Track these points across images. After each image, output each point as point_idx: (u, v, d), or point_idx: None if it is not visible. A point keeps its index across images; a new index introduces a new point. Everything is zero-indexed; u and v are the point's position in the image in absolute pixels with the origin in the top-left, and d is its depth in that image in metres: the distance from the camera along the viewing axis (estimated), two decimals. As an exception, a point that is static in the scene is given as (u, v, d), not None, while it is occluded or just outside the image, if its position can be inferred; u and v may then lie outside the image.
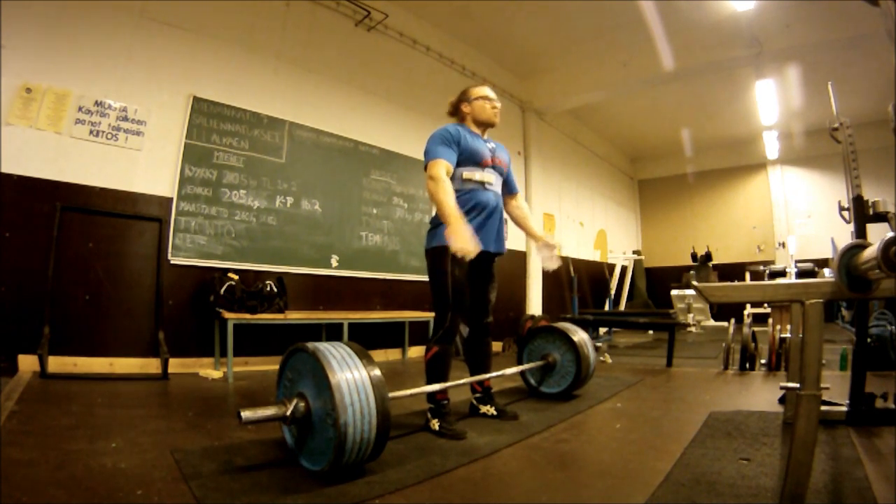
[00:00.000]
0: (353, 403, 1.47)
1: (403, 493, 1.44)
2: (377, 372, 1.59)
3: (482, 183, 2.27)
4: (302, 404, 1.58)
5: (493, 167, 2.34)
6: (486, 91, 2.39)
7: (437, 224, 2.20)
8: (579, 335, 2.86)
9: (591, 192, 9.07)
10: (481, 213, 2.24)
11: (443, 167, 2.12)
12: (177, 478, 1.47)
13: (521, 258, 6.64)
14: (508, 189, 2.52)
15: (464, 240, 1.90)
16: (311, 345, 1.62)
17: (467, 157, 2.24)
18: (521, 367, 2.82)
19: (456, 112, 2.43)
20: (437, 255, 2.18)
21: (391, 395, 1.66)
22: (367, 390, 1.52)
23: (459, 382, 2.24)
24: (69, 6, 3.19)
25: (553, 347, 2.90)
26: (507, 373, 2.60)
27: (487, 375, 2.42)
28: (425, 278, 2.32)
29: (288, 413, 1.56)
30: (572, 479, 1.64)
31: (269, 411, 1.55)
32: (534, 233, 2.56)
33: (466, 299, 2.21)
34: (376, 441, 1.53)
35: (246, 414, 1.51)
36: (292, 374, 1.71)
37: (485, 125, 2.39)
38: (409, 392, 2.01)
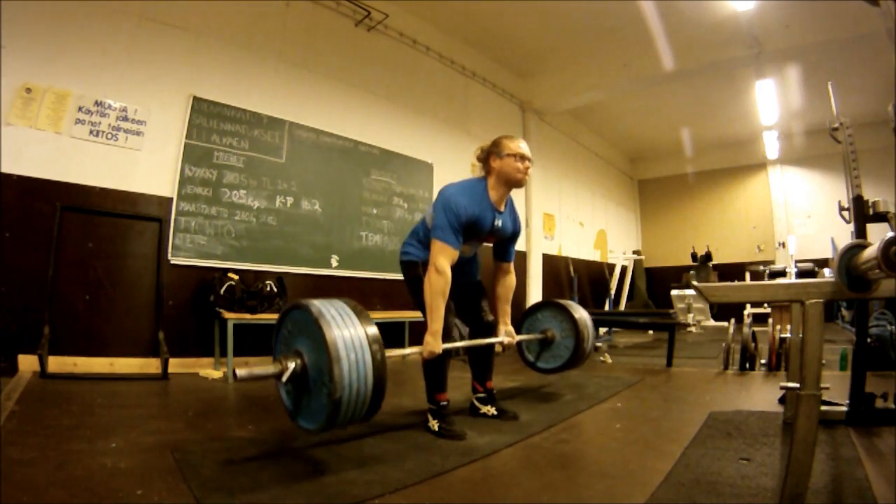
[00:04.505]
0: (350, 360, 1.47)
1: (403, 493, 1.44)
2: (373, 329, 1.58)
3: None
4: (299, 362, 1.57)
5: (483, 240, 2.25)
6: (520, 148, 2.14)
7: (413, 245, 2.23)
8: (580, 312, 2.84)
9: (591, 192, 9.07)
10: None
11: (450, 258, 2.01)
12: (177, 478, 1.47)
13: (520, 257, 6.64)
14: (502, 255, 2.39)
15: (433, 350, 1.99)
16: (307, 301, 1.61)
17: (462, 233, 2.07)
18: (518, 338, 2.65)
19: (485, 162, 2.21)
20: (412, 266, 2.21)
21: (388, 354, 1.63)
22: (363, 347, 1.52)
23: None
24: (69, 6, 3.19)
25: (553, 323, 2.88)
26: (504, 341, 2.43)
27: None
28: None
29: (286, 374, 1.54)
30: (572, 479, 1.64)
31: (266, 370, 1.56)
32: (503, 317, 2.42)
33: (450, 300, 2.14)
34: (372, 398, 1.52)
35: (241, 372, 1.51)
36: (289, 331, 1.69)
37: (510, 186, 2.20)
38: (408, 350, 2.02)
